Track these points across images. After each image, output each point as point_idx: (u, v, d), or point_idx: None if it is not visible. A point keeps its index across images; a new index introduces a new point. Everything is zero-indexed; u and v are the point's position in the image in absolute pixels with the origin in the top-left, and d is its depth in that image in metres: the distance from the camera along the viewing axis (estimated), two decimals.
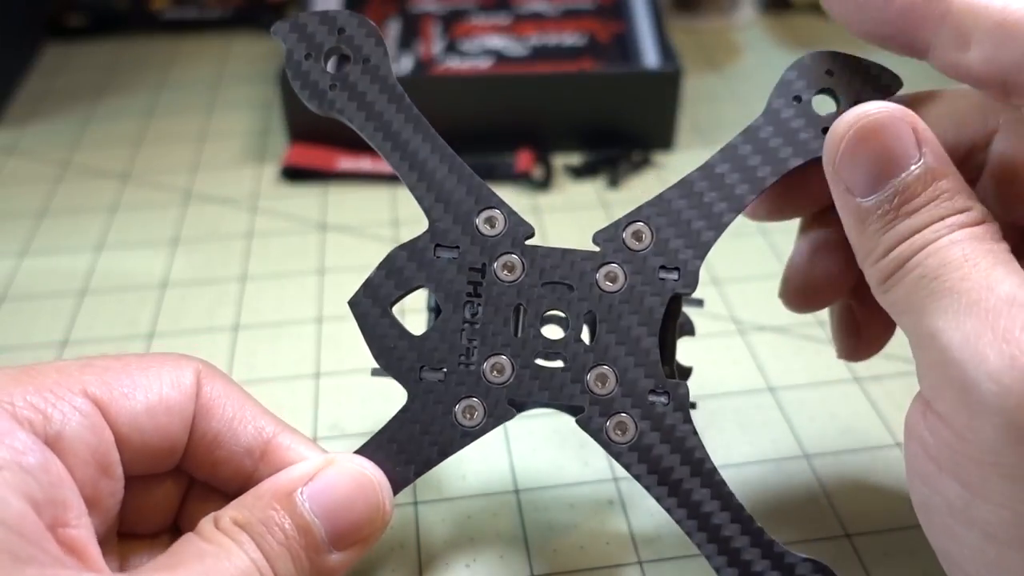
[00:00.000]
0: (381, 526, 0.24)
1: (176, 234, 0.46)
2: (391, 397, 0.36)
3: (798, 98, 0.25)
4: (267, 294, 0.42)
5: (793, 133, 0.24)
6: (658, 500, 0.24)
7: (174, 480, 0.25)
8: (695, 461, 0.24)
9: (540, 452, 0.33)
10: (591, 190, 0.49)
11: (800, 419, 0.35)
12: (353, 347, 0.38)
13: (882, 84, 0.24)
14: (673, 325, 0.26)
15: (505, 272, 0.25)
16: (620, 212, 0.47)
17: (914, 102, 0.25)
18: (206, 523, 0.22)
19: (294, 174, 0.50)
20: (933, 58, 0.22)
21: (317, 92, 0.25)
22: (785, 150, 0.24)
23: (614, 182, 0.49)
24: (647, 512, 0.31)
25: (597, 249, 0.25)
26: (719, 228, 0.25)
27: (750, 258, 0.43)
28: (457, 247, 0.25)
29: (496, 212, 0.25)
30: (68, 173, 0.51)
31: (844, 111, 0.23)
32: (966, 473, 0.20)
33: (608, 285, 0.24)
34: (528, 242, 0.25)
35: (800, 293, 0.29)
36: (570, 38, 0.55)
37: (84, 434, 0.21)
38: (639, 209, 0.25)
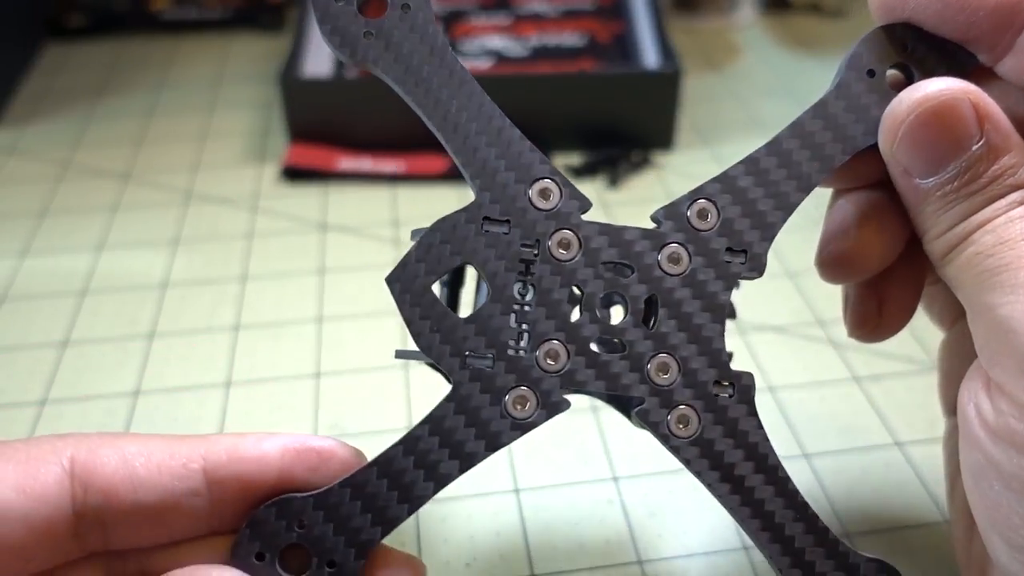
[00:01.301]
0: None
1: (176, 234, 0.46)
2: (391, 397, 0.36)
3: (871, 72, 0.23)
4: (267, 294, 0.42)
5: (865, 109, 0.23)
6: (719, 498, 0.23)
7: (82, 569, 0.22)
8: (759, 457, 0.22)
9: (540, 452, 0.33)
10: (591, 190, 0.49)
11: (800, 419, 0.35)
12: (353, 347, 0.39)
13: (958, 62, 0.23)
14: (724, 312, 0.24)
15: (560, 250, 0.22)
16: (620, 212, 0.47)
17: (979, 73, 0.24)
18: None
19: (294, 174, 0.50)
20: (1010, 60, 0.22)
21: (349, 39, 0.22)
22: (856, 127, 0.23)
23: (614, 182, 0.49)
24: (647, 512, 0.31)
25: (657, 227, 0.23)
26: (788, 209, 0.23)
27: None
28: (508, 221, 0.22)
29: (551, 183, 0.23)
30: (68, 173, 0.51)
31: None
32: (1022, 439, 0.20)
33: (671, 267, 0.23)
34: (585, 217, 0.23)
35: (841, 259, 0.27)
36: (570, 38, 0.55)
37: None
38: (703, 186, 0.23)
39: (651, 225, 0.23)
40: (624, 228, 0.23)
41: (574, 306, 0.23)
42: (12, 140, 0.54)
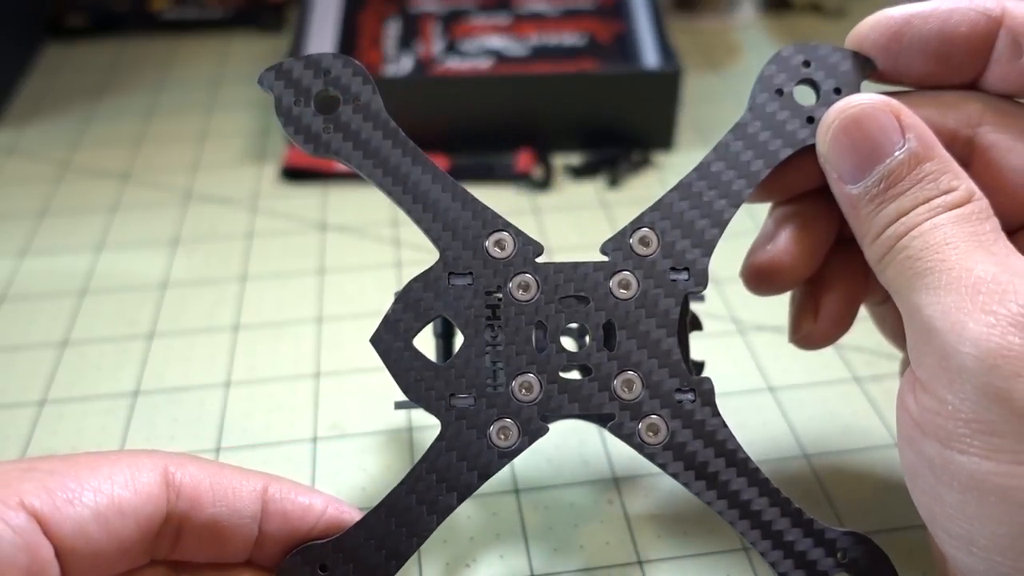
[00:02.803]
0: None
1: (176, 234, 0.46)
2: (391, 397, 0.36)
3: (780, 91, 0.26)
4: (267, 294, 0.42)
5: (780, 125, 0.26)
6: (698, 495, 0.25)
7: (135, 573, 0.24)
8: (728, 452, 0.25)
9: (540, 452, 0.33)
10: (591, 190, 0.49)
11: (800, 419, 0.35)
12: (353, 347, 0.38)
13: (856, 67, 0.26)
14: (685, 323, 0.26)
15: (521, 292, 0.25)
16: (620, 212, 0.47)
17: (901, 95, 0.26)
18: None
19: (294, 174, 0.50)
20: (989, 75, 0.25)
21: (311, 136, 0.25)
22: (775, 142, 0.25)
23: (614, 182, 0.49)
24: (647, 512, 0.31)
25: (606, 259, 0.25)
26: (721, 225, 0.25)
27: None
28: (470, 272, 0.25)
29: (504, 234, 0.25)
30: (68, 173, 0.51)
31: (824, 98, 0.25)
32: (946, 433, 0.21)
33: (622, 292, 0.25)
34: (539, 259, 0.25)
35: (759, 270, 0.29)
36: (570, 38, 0.55)
37: (15, 555, 0.20)
38: (641, 216, 0.25)
39: (602, 257, 0.25)
40: (576, 264, 0.25)
41: (540, 340, 0.25)
42: (12, 140, 0.54)
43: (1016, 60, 0.24)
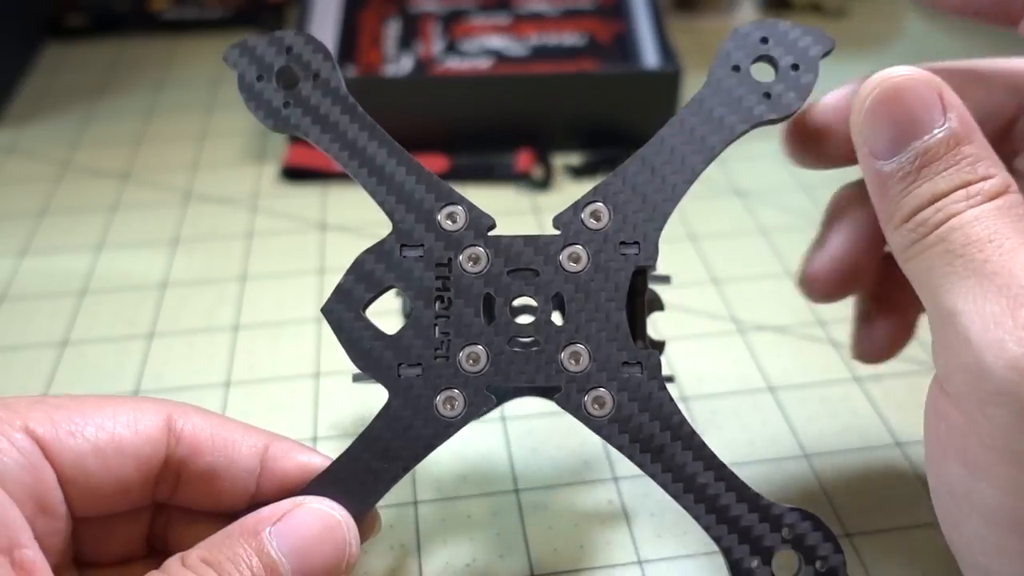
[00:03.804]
0: (347, 567, 0.24)
1: (176, 234, 0.46)
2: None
3: (736, 67, 0.26)
4: (267, 294, 0.42)
5: (737, 101, 0.25)
6: (641, 467, 0.24)
7: (138, 514, 0.25)
8: (674, 425, 0.24)
9: (540, 452, 0.33)
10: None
11: (800, 419, 0.35)
12: None
13: (815, 45, 0.25)
14: (641, 301, 0.26)
15: (471, 264, 0.25)
16: None
17: (945, 74, 0.25)
18: (173, 561, 0.22)
19: (294, 174, 0.50)
20: None
21: (272, 111, 0.26)
22: (731, 118, 0.25)
23: None
24: (647, 512, 0.31)
25: (558, 233, 0.25)
26: (675, 199, 0.25)
27: (750, 258, 0.43)
28: (422, 245, 0.25)
29: (457, 208, 0.25)
30: (68, 173, 0.51)
31: (783, 75, 0.25)
32: (971, 456, 0.20)
33: (572, 266, 0.25)
34: (491, 233, 0.25)
35: (806, 281, 0.28)
36: (570, 38, 0.55)
37: (19, 473, 0.21)
38: (595, 189, 0.25)
39: (554, 231, 0.25)
40: (527, 237, 0.25)
41: (490, 312, 0.25)
42: (12, 140, 0.54)
43: None
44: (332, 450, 0.34)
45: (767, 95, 0.25)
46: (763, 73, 0.25)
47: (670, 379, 0.25)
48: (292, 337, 0.39)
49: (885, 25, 0.68)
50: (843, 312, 0.40)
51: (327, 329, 0.40)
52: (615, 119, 0.51)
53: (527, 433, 0.34)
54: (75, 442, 0.22)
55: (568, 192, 0.49)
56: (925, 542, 0.30)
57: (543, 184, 0.49)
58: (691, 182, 0.25)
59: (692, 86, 0.58)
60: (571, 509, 0.31)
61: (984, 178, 0.21)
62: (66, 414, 0.22)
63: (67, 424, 0.22)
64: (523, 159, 0.50)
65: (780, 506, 0.24)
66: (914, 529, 0.30)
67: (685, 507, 0.24)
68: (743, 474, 0.32)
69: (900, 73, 0.22)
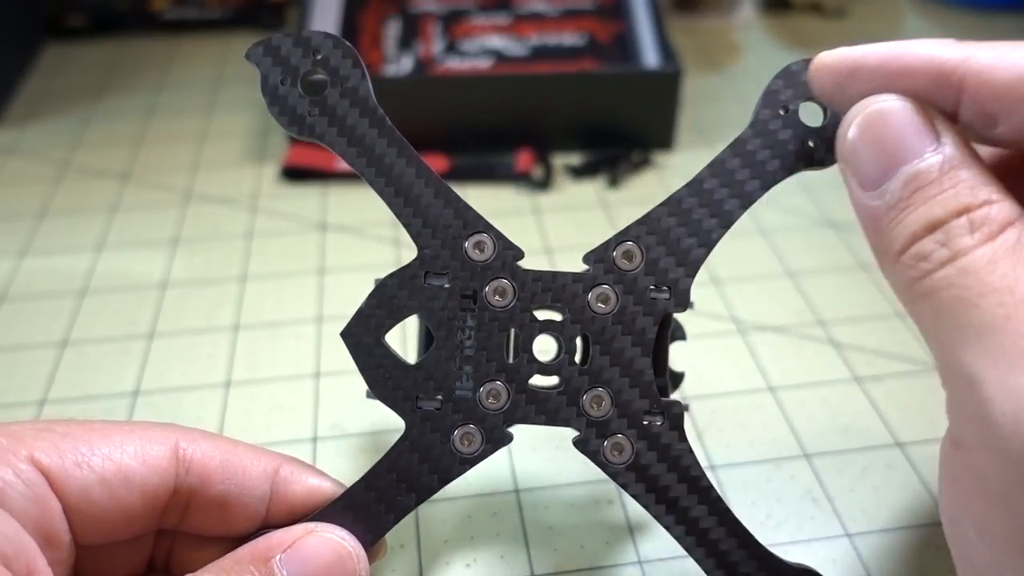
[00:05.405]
0: None
1: (176, 234, 0.46)
2: None
3: (785, 108, 0.24)
4: (267, 294, 0.42)
5: (781, 145, 0.24)
6: (656, 518, 0.24)
7: (142, 538, 0.24)
8: (691, 479, 0.24)
9: (540, 452, 0.33)
10: (591, 190, 0.49)
11: (800, 419, 0.35)
12: None
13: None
14: (665, 336, 0.25)
15: (496, 297, 0.24)
16: (620, 212, 0.47)
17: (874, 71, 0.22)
18: None
19: (294, 174, 0.50)
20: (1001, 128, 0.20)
21: (296, 118, 0.24)
22: (773, 163, 0.24)
23: (614, 182, 0.49)
24: (647, 512, 0.31)
25: (587, 270, 0.24)
26: (709, 245, 0.24)
27: (750, 258, 0.43)
28: (447, 273, 0.24)
29: (485, 236, 0.24)
30: (68, 173, 0.51)
31: (832, 119, 0.23)
32: (984, 522, 0.19)
33: (600, 307, 0.24)
34: (519, 264, 0.24)
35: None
36: (570, 38, 0.55)
37: (25, 505, 0.21)
38: (628, 229, 0.24)
39: (583, 268, 0.24)
40: (556, 273, 0.24)
41: (512, 348, 0.24)
42: (12, 140, 0.54)
43: (987, 130, 0.20)
44: (332, 450, 0.34)
45: (815, 139, 0.24)
46: (812, 115, 0.24)
47: (685, 408, 0.25)
48: (292, 337, 0.39)
49: (885, 25, 0.68)
50: (843, 312, 0.40)
51: (327, 329, 0.40)
52: (615, 119, 0.51)
53: (527, 433, 0.34)
54: (81, 473, 0.22)
55: (568, 192, 0.49)
56: (925, 542, 0.30)
57: (543, 184, 0.49)
58: (727, 227, 0.24)
59: (692, 86, 0.58)
60: (571, 509, 0.31)
61: (987, 203, 0.19)
62: (72, 443, 0.22)
63: (73, 454, 0.22)
64: (523, 159, 0.50)
65: (788, 563, 0.24)
66: (914, 529, 0.30)
67: (696, 560, 0.24)
68: (744, 474, 0.32)
69: (885, 97, 0.21)
